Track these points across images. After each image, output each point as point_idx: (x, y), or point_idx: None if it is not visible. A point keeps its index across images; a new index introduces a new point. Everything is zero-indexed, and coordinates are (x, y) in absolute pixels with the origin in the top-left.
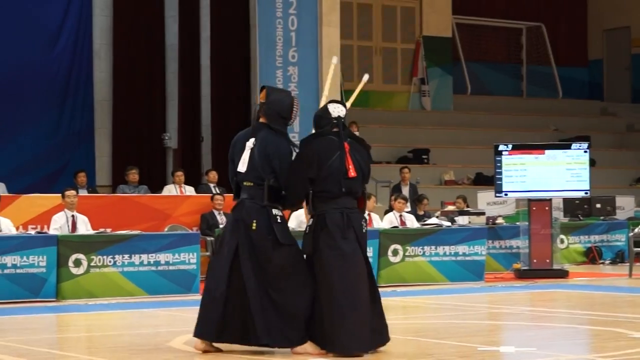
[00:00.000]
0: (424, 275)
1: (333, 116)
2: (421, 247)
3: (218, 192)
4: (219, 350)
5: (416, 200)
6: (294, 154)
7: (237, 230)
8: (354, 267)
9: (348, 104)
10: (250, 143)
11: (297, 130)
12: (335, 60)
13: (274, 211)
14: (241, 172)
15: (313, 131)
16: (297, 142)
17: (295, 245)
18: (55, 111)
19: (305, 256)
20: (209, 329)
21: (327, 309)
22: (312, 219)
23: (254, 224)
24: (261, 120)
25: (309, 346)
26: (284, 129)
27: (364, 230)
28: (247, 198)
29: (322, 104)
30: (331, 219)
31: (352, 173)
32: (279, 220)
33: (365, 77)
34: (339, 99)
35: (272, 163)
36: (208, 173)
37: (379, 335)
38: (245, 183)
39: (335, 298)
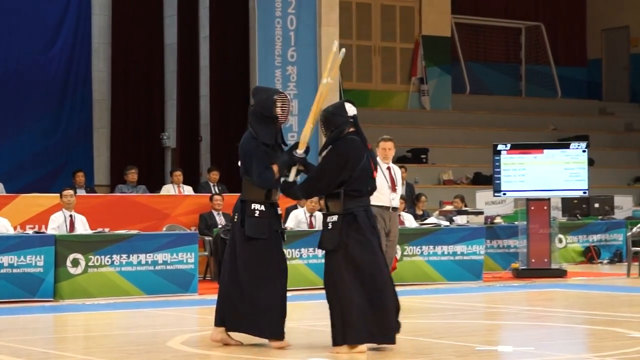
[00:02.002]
0: (422, 275)
1: (349, 115)
2: (419, 247)
3: (218, 190)
4: (239, 343)
5: (414, 199)
6: (261, 147)
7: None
8: (382, 260)
9: (324, 75)
10: None
11: (296, 130)
12: (335, 46)
13: (253, 205)
14: None
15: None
16: (293, 142)
17: (263, 240)
18: (53, 111)
19: (323, 251)
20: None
21: (361, 300)
22: (336, 216)
23: (236, 217)
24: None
25: (283, 342)
26: (262, 127)
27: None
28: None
29: (321, 91)
30: (360, 216)
31: (375, 173)
32: (256, 215)
33: (342, 51)
34: (338, 96)
35: (244, 162)
36: (210, 172)
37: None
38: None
39: (368, 291)
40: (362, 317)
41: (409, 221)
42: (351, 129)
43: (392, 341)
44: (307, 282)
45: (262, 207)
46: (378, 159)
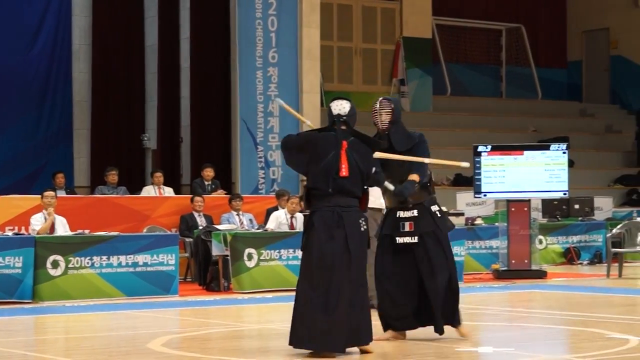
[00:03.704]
0: None
1: (333, 114)
2: None
3: (212, 187)
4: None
5: None
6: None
7: None
8: (331, 268)
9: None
10: None
11: (277, 131)
12: (465, 164)
13: None
14: None
15: None
16: (274, 143)
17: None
18: (33, 112)
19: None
20: None
21: (302, 307)
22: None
23: None
24: None
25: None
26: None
27: (362, 229)
28: None
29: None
30: (321, 217)
31: (343, 172)
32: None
33: (465, 164)
34: (319, 97)
35: None
36: (204, 169)
37: (357, 335)
38: None
39: (311, 297)
40: (304, 321)
41: None
42: (334, 127)
43: (338, 349)
44: (286, 283)
45: None
46: None
